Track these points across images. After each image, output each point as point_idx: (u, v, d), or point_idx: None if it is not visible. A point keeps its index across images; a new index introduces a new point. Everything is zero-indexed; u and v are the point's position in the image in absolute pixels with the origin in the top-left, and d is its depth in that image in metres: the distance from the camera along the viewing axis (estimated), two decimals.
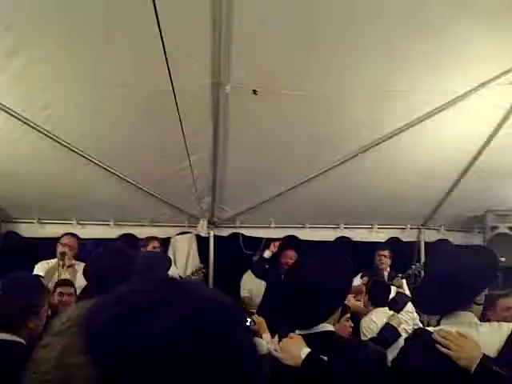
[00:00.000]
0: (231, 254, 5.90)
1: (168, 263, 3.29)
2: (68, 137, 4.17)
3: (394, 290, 4.56)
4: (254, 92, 3.65)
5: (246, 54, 3.37)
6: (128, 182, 4.79)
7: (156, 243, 5.23)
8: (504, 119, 4.21)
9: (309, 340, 1.87)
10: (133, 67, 3.40)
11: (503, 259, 5.05)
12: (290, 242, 5.79)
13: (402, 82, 3.68)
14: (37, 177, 4.70)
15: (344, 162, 4.67)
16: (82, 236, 5.47)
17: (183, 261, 5.66)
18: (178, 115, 3.73)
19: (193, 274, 5.29)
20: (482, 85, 3.74)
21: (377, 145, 4.42)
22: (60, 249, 4.67)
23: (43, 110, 3.77)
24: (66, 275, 4.44)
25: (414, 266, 5.35)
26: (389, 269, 5.30)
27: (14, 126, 3.91)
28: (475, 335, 1.83)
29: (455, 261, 2.00)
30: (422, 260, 5.81)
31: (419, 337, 1.96)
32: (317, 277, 1.92)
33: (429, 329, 2.00)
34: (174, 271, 5.30)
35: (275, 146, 4.36)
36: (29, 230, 5.51)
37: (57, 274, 4.38)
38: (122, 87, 3.53)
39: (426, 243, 5.95)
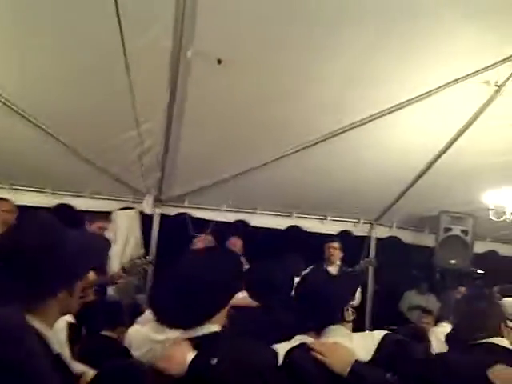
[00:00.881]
0: (177, 236, 5.57)
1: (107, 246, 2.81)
2: (5, 93, 3.72)
3: None
4: (219, 61, 3.32)
5: (214, 16, 3.04)
6: (68, 147, 4.34)
7: (102, 223, 4.72)
8: (470, 121, 4.11)
9: (195, 343, 1.64)
10: (82, 24, 3.00)
11: (453, 261, 5.05)
12: (237, 227, 5.53)
13: (373, 69, 3.48)
14: None
15: (305, 148, 4.44)
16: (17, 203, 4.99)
17: (123, 238, 5.26)
18: (129, 78, 3.35)
19: (139, 263, 4.78)
20: (456, 81, 3.60)
21: (340, 134, 4.21)
22: None
23: None
24: None
25: (362, 262, 5.25)
26: (339, 262, 5.14)
27: None
28: (349, 343, 1.93)
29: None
30: (372, 256, 5.74)
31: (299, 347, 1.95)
32: (196, 271, 1.69)
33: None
34: (113, 249, 4.92)
35: (235, 124, 4.06)
36: None
37: None
38: (70, 45, 3.12)
39: (377, 239, 5.87)
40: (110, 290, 4.89)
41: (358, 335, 2.03)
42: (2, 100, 3.78)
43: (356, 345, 1.93)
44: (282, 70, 3.47)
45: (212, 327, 1.67)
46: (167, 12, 2.92)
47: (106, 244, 1.66)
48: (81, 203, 5.21)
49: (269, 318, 2.54)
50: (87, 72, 3.41)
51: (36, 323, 1.25)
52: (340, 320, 1.99)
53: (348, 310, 2.01)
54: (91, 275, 4.49)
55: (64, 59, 3.31)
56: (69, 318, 2.73)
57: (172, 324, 1.64)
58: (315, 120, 4.11)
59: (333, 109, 3.92)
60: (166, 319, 1.64)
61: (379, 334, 1.97)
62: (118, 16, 2.88)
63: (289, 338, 2.00)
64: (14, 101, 3.81)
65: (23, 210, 4.95)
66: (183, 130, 4.09)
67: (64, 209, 5.21)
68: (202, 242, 5.30)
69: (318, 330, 1.98)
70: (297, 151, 4.46)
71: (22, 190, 5.05)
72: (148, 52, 3.18)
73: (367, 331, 2.15)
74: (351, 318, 2.01)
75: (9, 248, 1.26)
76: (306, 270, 3.86)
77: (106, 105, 3.75)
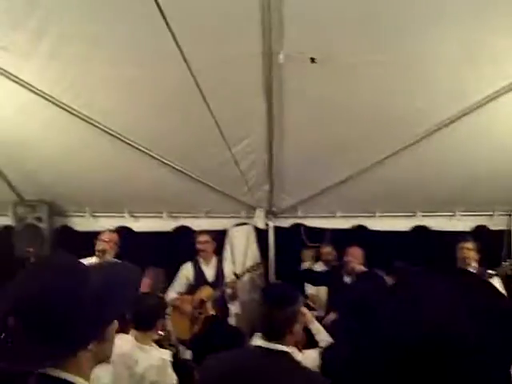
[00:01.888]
0: (293, 247, 5.40)
1: (138, 275, 2.53)
2: (113, 125, 3.92)
3: None
4: (312, 60, 3.09)
5: (301, 16, 2.82)
6: (177, 170, 4.41)
7: (207, 237, 4.82)
8: None
9: None
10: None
11: None
12: (356, 233, 5.18)
13: (490, 47, 2.99)
14: (85, 168, 4.48)
15: (421, 140, 4.00)
16: (135, 229, 5.23)
17: (241, 256, 5.22)
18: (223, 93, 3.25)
19: (248, 270, 4.82)
20: None
21: (463, 115, 3.70)
22: (99, 246, 4.33)
23: (90, 104, 3.58)
24: None
25: (506, 263, 4.56)
26: (476, 264, 4.48)
27: (60, 116, 3.73)
28: None
29: None
30: None
31: None
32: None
33: None
34: (230, 268, 4.90)
35: (339, 123, 3.77)
36: (82, 223, 5.32)
37: None
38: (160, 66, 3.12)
39: None
40: (234, 308, 4.86)
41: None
42: (114, 133, 3.96)
43: None
44: (381, 60, 3.13)
45: None
46: (254, 15, 2.75)
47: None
48: (197, 224, 5.28)
49: None
50: (180, 94, 3.39)
51: (69, 377, 1.13)
52: None
53: None
54: (207, 290, 4.53)
55: (158, 83, 3.32)
56: (165, 355, 2.67)
57: None
58: (435, 105, 3.66)
59: (454, 90, 3.46)
60: None
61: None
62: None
63: None
64: (122, 132, 3.99)
65: (143, 235, 5.19)
66: (285, 137, 3.91)
67: (183, 231, 5.34)
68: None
69: None
70: (412, 144, 4.04)
71: (138, 216, 5.25)
72: (238, 60, 3.05)
73: None
74: None
75: (26, 304, 1.13)
76: None
77: (203, 123, 3.70)
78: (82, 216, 5.31)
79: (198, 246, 4.78)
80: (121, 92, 3.50)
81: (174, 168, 4.40)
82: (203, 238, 4.80)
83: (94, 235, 4.71)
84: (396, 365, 0.94)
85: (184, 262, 4.93)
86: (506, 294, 4.01)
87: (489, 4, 2.70)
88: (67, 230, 5.32)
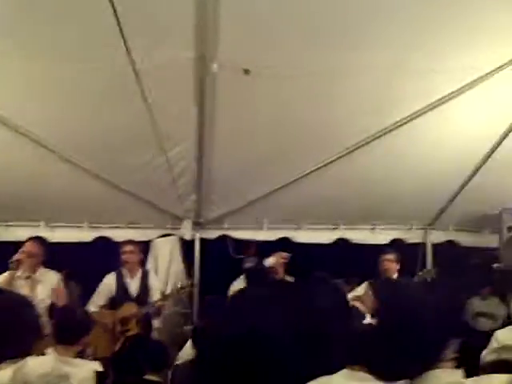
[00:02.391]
0: (219, 259, 5.32)
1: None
2: (27, 125, 3.62)
3: None
4: (246, 71, 3.09)
5: (236, 26, 2.81)
6: (101, 177, 4.20)
7: (132, 247, 4.62)
8: None
9: None
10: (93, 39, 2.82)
11: None
12: (281, 245, 5.23)
13: (417, 58, 3.15)
14: None
15: (346, 155, 4.13)
16: (51, 240, 4.89)
17: (164, 268, 5.07)
18: (144, 97, 3.14)
19: (177, 291, 4.67)
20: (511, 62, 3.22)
21: (385, 134, 3.88)
22: (14, 257, 3.99)
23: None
24: (22, 289, 3.79)
25: (420, 273, 4.81)
26: (396, 275, 4.70)
27: None
28: None
29: None
30: (429, 264, 5.32)
31: None
32: None
33: None
34: (156, 283, 4.74)
35: (269, 134, 3.81)
36: None
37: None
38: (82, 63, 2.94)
39: (433, 245, 5.43)
40: (156, 323, 4.69)
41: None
42: (34, 138, 3.69)
43: None
44: (313, 72, 3.19)
45: None
46: (188, 18, 2.69)
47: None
48: (119, 234, 5.06)
49: None
50: (105, 98, 3.24)
51: None
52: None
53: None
54: (131, 307, 4.36)
55: (83, 87, 3.14)
56: (95, 366, 2.51)
57: None
58: (355, 122, 3.80)
59: (377, 105, 3.60)
60: None
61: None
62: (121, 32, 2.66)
63: None
64: (40, 135, 3.72)
65: (60, 246, 4.87)
66: (215, 148, 3.87)
67: (102, 242, 5.09)
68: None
69: None
70: (337, 158, 4.17)
71: (55, 226, 4.94)
72: (170, 65, 2.96)
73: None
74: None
75: None
76: None
77: (132, 128, 3.57)
78: None
79: (123, 257, 4.57)
80: (34, 89, 3.25)
81: (93, 174, 4.18)
82: (128, 248, 4.58)
83: (5, 246, 4.35)
84: None
85: (102, 274, 4.68)
86: None
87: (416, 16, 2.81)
88: None
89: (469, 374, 1.45)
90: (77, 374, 2.39)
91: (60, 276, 4.32)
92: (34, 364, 2.44)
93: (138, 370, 2.90)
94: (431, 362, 1.34)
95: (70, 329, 2.64)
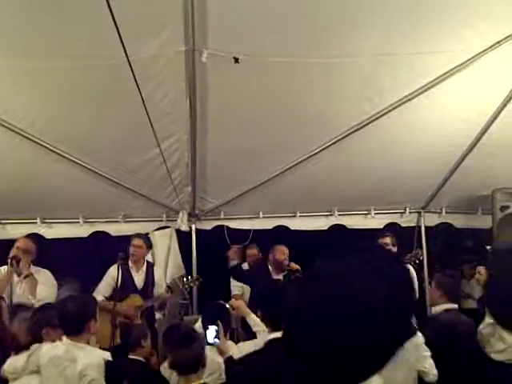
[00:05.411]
0: (216, 249, 5.36)
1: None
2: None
3: None
4: (236, 60, 3.09)
5: (224, 16, 2.81)
6: (95, 172, 4.20)
7: (141, 242, 4.62)
8: None
9: None
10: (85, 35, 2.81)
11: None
12: (278, 234, 5.26)
13: (407, 43, 3.17)
14: None
15: (338, 142, 4.16)
16: (47, 236, 4.90)
17: (163, 259, 5.09)
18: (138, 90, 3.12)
19: (187, 282, 4.72)
20: (498, 43, 3.25)
21: (376, 119, 3.90)
22: (11, 253, 3.98)
23: None
24: (22, 288, 3.79)
25: (407, 257, 4.85)
26: None
27: None
28: None
29: None
30: (424, 246, 5.37)
31: None
32: None
33: None
34: (161, 276, 4.79)
35: (261, 123, 3.82)
36: None
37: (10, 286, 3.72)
38: (73, 59, 2.93)
39: (426, 228, 5.49)
40: (158, 314, 4.75)
41: None
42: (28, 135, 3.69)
43: None
44: (304, 61, 3.21)
45: None
46: (176, 11, 2.69)
47: None
48: (115, 229, 5.07)
49: None
50: (98, 92, 3.24)
51: None
52: None
53: None
54: (137, 299, 4.39)
55: (75, 83, 3.14)
56: (105, 355, 2.55)
57: None
58: (347, 109, 3.83)
59: (370, 91, 3.63)
60: None
61: None
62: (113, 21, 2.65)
63: None
64: (32, 132, 3.71)
65: (56, 242, 4.88)
66: (209, 137, 3.88)
67: (99, 236, 5.10)
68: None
69: None
70: (329, 145, 4.19)
71: (54, 222, 4.94)
72: (160, 58, 2.97)
73: None
74: None
75: None
76: None
77: (124, 122, 3.57)
78: None
79: (131, 250, 4.58)
80: (28, 86, 3.24)
81: (88, 169, 4.17)
82: (138, 242, 4.60)
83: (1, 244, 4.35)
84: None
85: (102, 269, 4.69)
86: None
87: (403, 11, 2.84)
88: None
89: None
90: (82, 359, 2.44)
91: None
92: (48, 348, 2.49)
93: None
94: None
95: (70, 318, 2.61)
